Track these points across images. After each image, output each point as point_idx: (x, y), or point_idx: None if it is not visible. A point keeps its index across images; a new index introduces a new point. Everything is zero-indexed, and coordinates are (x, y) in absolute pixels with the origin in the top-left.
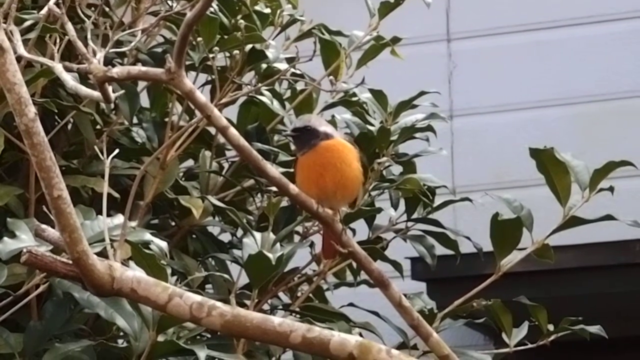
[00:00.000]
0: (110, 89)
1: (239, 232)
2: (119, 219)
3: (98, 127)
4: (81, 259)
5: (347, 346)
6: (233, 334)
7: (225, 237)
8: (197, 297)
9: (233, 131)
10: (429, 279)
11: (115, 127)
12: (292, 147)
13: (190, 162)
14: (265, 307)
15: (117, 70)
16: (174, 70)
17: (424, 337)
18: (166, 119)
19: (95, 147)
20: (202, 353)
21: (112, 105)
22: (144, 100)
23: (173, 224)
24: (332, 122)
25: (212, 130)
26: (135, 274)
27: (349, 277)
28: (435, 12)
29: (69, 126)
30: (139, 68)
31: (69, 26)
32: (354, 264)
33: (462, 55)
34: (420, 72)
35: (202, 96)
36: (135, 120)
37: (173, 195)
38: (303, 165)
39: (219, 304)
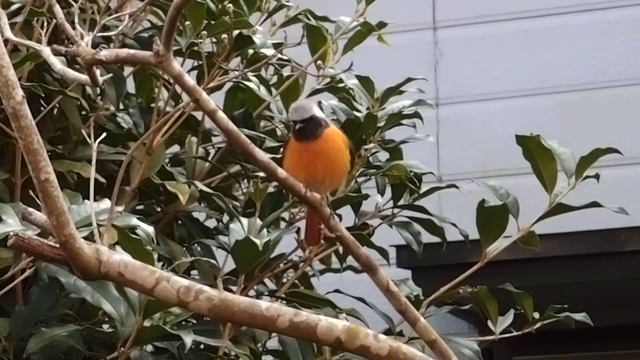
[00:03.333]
0: (97, 72)
1: (225, 218)
2: (106, 203)
3: (83, 112)
4: (68, 242)
5: (335, 331)
6: (220, 319)
7: (211, 223)
8: (185, 281)
9: (221, 115)
10: (414, 267)
11: (101, 112)
12: (293, 135)
13: (176, 148)
14: (251, 293)
15: (105, 53)
16: (162, 53)
17: (411, 322)
18: (152, 105)
19: (83, 132)
20: (188, 338)
21: (98, 90)
22: (130, 86)
23: (159, 209)
24: (319, 108)
25: (199, 115)
26: (122, 257)
27: (335, 264)
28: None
29: (55, 111)
30: (127, 51)
31: (57, 8)
32: (340, 250)
33: (448, 43)
34: (406, 60)
35: (191, 79)
36: (121, 106)
37: (159, 180)
38: (295, 150)
39: (206, 288)
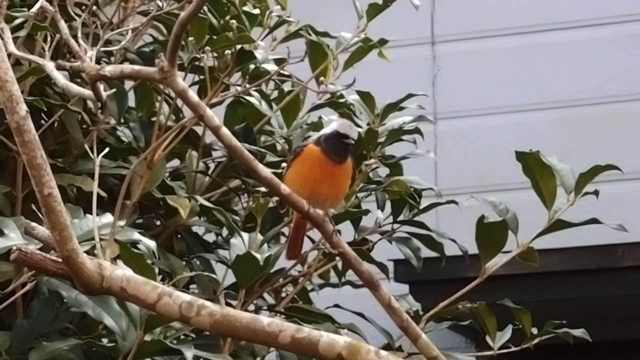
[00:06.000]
0: (101, 87)
1: (224, 232)
2: (108, 218)
3: (84, 126)
4: (71, 257)
5: (336, 347)
6: (222, 334)
7: (210, 237)
8: (187, 297)
9: (225, 131)
10: (412, 282)
11: (101, 126)
12: (325, 148)
13: (176, 162)
14: (250, 307)
15: (110, 69)
16: (167, 69)
17: (412, 338)
18: (153, 119)
19: (86, 146)
20: (189, 353)
21: (99, 104)
22: (130, 100)
23: (158, 223)
24: (319, 123)
25: (199, 130)
26: (124, 272)
27: (333, 278)
28: (420, 15)
29: (55, 125)
30: (132, 67)
31: (62, 24)
32: (339, 265)
33: (447, 58)
34: (405, 74)
35: (195, 95)
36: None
37: (160, 194)
38: (316, 163)
39: (208, 303)
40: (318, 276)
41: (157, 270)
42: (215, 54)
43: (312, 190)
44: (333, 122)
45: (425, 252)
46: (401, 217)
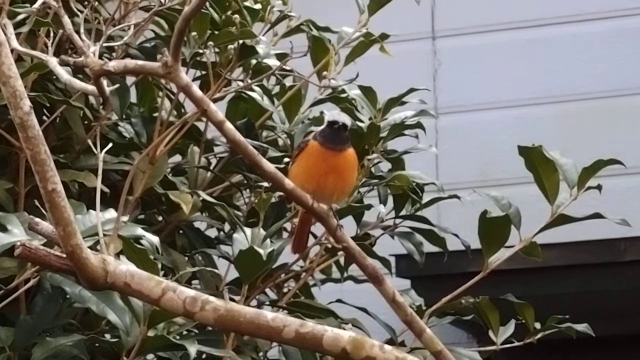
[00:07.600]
0: (105, 83)
1: (226, 228)
2: (111, 213)
3: (86, 122)
4: (75, 252)
5: (340, 341)
6: (226, 329)
7: (212, 233)
8: (191, 292)
9: (229, 126)
10: (414, 277)
11: (103, 121)
12: (320, 139)
13: (177, 158)
14: (252, 303)
15: (113, 64)
16: (170, 64)
17: (417, 332)
18: (154, 115)
19: (89, 141)
20: (192, 348)
21: (101, 100)
22: (132, 96)
23: (160, 219)
24: (321, 118)
25: (201, 126)
26: (128, 268)
27: (335, 273)
28: (420, 9)
29: (57, 120)
30: (136, 62)
31: (66, 19)
32: (341, 260)
33: (447, 53)
34: (406, 69)
35: (198, 90)
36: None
37: (162, 190)
38: (315, 155)
39: (212, 298)
40: (320, 271)
41: (159, 266)
42: (217, 49)
43: (318, 185)
44: (325, 116)
45: (428, 247)
46: (403, 212)
